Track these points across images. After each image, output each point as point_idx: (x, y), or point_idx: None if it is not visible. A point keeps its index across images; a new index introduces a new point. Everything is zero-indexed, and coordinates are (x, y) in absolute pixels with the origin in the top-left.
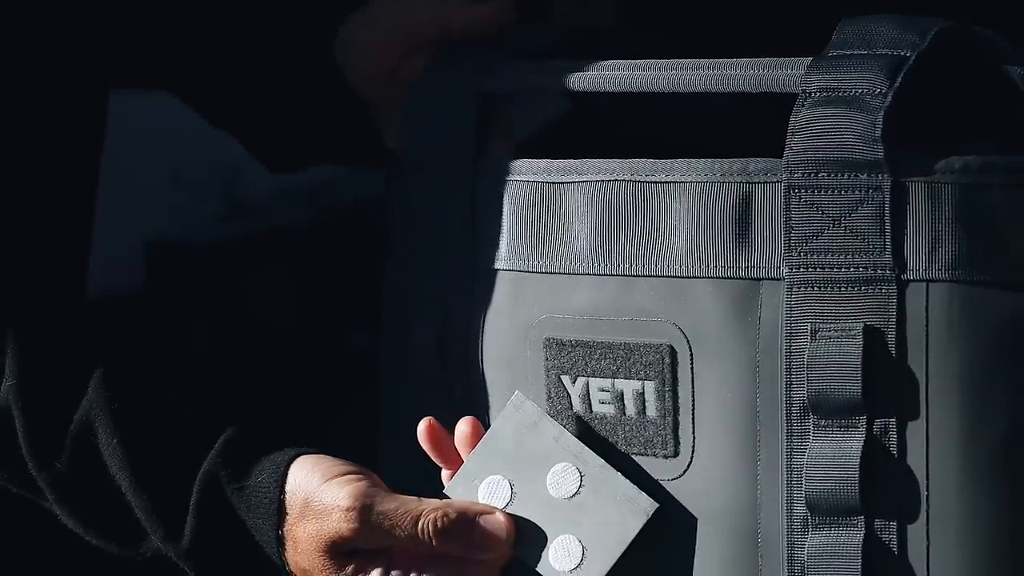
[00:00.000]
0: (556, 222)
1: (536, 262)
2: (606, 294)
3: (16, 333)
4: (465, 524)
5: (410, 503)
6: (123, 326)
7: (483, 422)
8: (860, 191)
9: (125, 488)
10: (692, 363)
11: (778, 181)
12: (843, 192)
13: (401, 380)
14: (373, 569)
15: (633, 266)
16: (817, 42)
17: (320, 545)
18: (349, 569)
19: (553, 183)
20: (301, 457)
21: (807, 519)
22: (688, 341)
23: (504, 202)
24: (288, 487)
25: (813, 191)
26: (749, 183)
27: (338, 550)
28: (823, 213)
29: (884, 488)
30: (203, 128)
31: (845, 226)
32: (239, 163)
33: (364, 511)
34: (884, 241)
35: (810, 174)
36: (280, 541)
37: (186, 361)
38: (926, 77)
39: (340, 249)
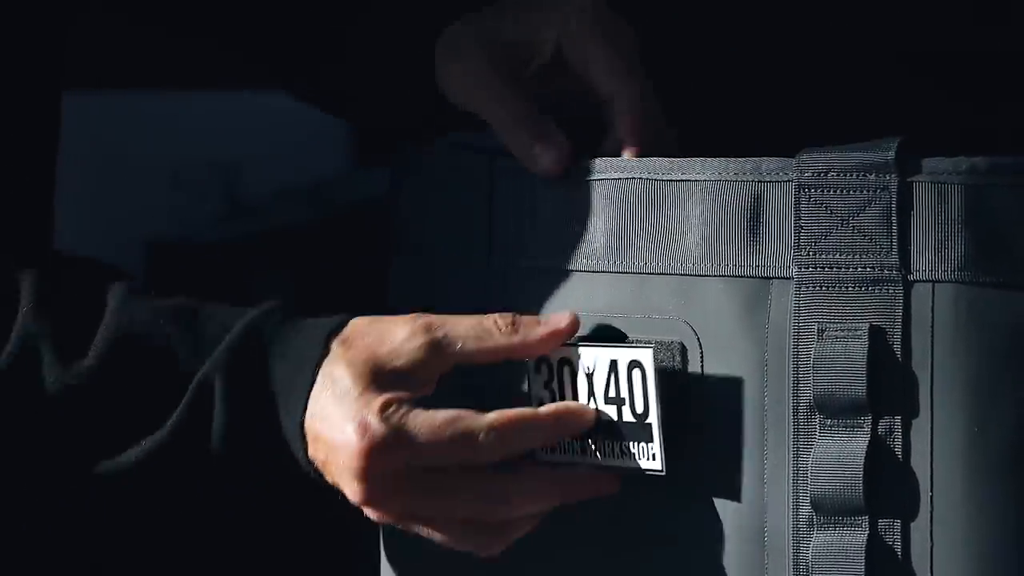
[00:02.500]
0: (573, 220)
1: (553, 260)
2: (621, 292)
3: (24, 266)
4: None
5: None
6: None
7: None
8: (868, 191)
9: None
10: (702, 361)
11: (789, 180)
12: (851, 192)
13: None
14: (407, 406)
15: (647, 264)
16: (814, 42)
17: (366, 363)
18: (381, 400)
19: (571, 181)
20: None
21: (812, 518)
22: (699, 339)
23: (522, 200)
24: (350, 323)
25: (823, 191)
26: (761, 182)
27: (384, 373)
28: (832, 213)
29: (888, 488)
30: (203, 128)
31: (853, 226)
32: (239, 163)
33: (433, 324)
34: (891, 241)
35: (820, 174)
36: (314, 370)
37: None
38: (932, 77)
39: (340, 249)
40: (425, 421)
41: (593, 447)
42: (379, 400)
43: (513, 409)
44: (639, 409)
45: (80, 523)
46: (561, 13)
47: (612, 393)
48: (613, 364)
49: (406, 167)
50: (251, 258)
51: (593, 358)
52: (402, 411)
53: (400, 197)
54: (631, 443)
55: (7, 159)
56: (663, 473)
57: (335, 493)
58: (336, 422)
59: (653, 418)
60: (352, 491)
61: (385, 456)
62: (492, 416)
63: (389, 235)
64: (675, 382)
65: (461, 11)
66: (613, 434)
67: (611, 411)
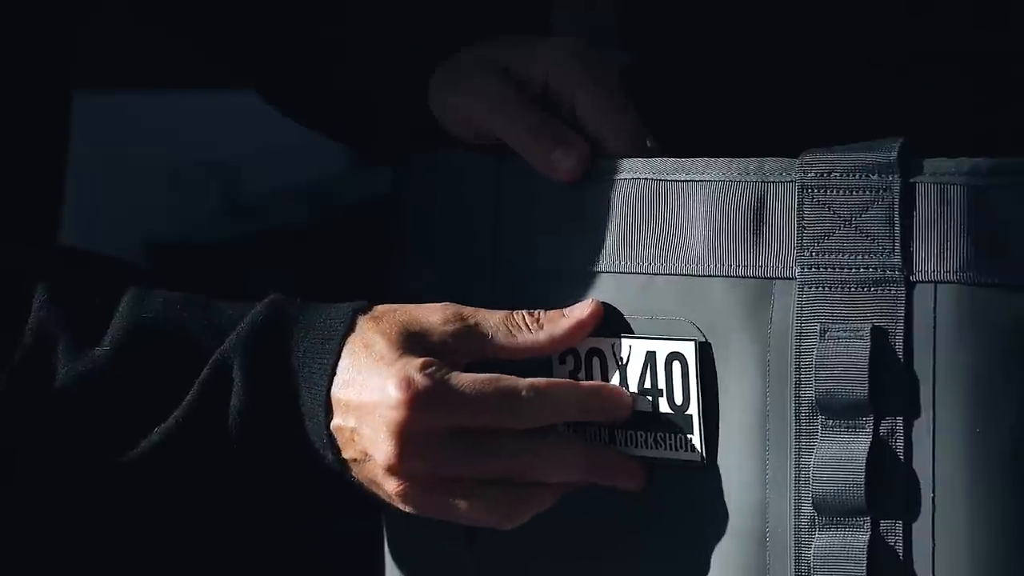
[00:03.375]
0: (579, 221)
1: (560, 261)
2: (626, 292)
3: (37, 260)
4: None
5: None
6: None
7: None
8: (871, 192)
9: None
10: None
11: (792, 181)
12: (854, 192)
13: None
14: (448, 367)
15: (652, 264)
16: (814, 43)
17: (400, 334)
18: (422, 359)
19: (577, 182)
20: None
21: (814, 519)
22: (703, 339)
23: (528, 201)
24: (375, 306)
25: (825, 191)
26: (764, 182)
27: (418, 341)
28: (835, 213)
29: (890, 489)
30: (203, 128)
31: (856, 226)
32: (238, 163)
33: (465, 313)
34: (893, 242)
35: (823, 174)
36: (340, 342)
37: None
38: (933, 77)
39: (340, 250)
40: (468, 378)
41: (621, 436)
42: (420, 359)
43: (553, 378)
44: (678, 400)
45: (94, 512)
46: (547, 52)
47: (648, 384)
48: (650, 356)
49: (410, 168)
50: (251, 258)
51: (628, 349)
52: (444, 369)
53: (403, 198)
54: (667, 434)
55: (18, 158)
56: (703, 463)
57: (349, 487)
58: (374, 383)
59: (693, 410)
60: (384, 452)
61: (428, 409)
62: (533, 379)
63: (390, 236)
64: (710, 376)
65: (452, 45)
66: (647, 424)
67: (645, 401)
